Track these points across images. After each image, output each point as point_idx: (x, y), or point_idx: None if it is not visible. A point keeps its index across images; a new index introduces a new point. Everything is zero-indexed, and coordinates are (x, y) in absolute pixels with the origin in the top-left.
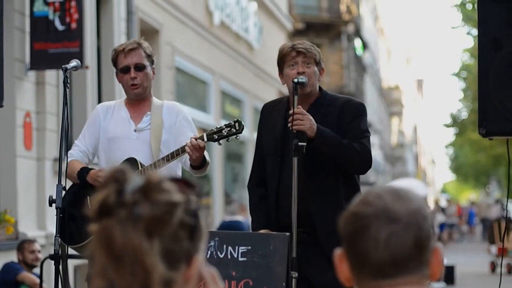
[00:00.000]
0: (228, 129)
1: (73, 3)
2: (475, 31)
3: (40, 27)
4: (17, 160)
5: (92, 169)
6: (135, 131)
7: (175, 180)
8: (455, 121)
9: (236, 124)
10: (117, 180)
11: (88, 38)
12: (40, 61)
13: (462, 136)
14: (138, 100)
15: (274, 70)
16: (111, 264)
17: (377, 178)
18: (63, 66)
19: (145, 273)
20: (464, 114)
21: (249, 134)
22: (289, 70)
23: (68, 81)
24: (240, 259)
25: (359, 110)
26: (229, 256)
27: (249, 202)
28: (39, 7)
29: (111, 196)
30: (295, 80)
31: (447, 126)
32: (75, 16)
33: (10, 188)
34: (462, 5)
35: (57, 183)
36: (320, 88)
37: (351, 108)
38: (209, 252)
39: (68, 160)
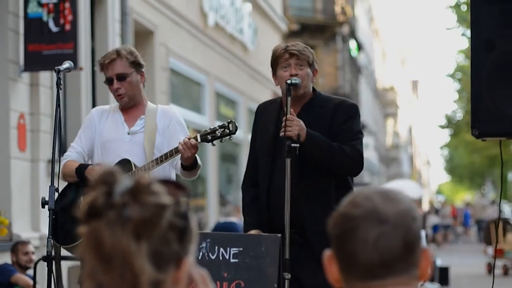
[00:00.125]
0: (222, 129)
1: (67, 5)
2: (469, 32)
3: (34, 28)
4: (11, 162)
5: (89, 165)
6: (128, 134)
7: (165, 182)
8: (450, 122)
9: (230, 125)
10: (106, 182)
11: (82, 39)
12: (34, 62)
13: (457, 137)
14: (132, 105)
15: (268, 71)
16: (100, 266)
17: (372, 179)
18: (56, 67)
19: (133, 275)
20: (459, 115)
21: (244, 135)
22: (282, 72)
23: (61, 82)
24: (232, 260)
25: (352, 111)
26: (220, 258)
27: (242, 203)
28: (33, 8)
29: (100, 198)
30: (288, 81)
31: (442, 127)
32: (69, 17)
33: (4, 190)
34: (457, 6)
35: (46, 184)
36: (313, 89)
37: (344, 109)
38: (200, 254)
39: (65, 161)
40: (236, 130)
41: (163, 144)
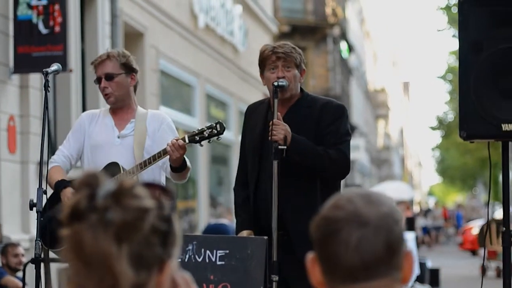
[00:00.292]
0: (210, 130)
1: (56, 7)
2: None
3: (23, 30)
4: (1, 164)
5: (69, 182)
6: (118, 137)
7: (150, 185)
8: (441, 124)
9: (218, 126)
10: (89, 185)
11: (72, 41)
12: (24, 64)
13: (449, 139)
14: (121, 108)
15: (259, 73)
16: (81, 269)
17: (363, 181)
18: (44, 70)
19: (113, 278)
20: (450, 117)
21: (234, 137)
22: (270, 74)
23: (49, 85)
24: (218, 263)
25: (339, 112)
26: (207, 260)
27: (234, 204)
28: (23, 10)
29: (83, 201)
30: (275, 83)
31: (434, 128)
32: (59, 19)
33: None
34: (448, 8)
35: (36, 186)
36: (301, 89)
37: (331, 109)
38: (187, 256)
39: (51, 165)
40: (223, 130)
41: (153, 147)
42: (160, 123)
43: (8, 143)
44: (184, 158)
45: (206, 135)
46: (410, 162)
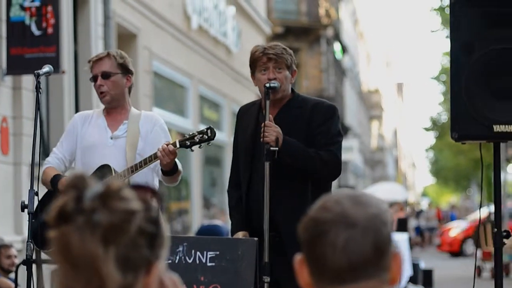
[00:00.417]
0: (201, 135)
1: (49, 8)
2: None
3: (16, 32)
4: None
5: (64, 176)
6: (111, 138)
7: (138, 187)
8: (435, 125)
9: (208, 131)
10: (77, 187)
11: (65, 43)
12: (17, 66)
13: (442, 140)
14: (115, 109)
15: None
16: (68, 271)
17: (356, 182)
18: (35, 71)
19: (100, 280)
20: (444, 118)
21: (228, 138)
22: (261, 75)
23: (40, 86)
24: (209, 264)
25: (330, 112)
26: (197, 261)
27: (228, 206)
28: (16, 12)
29: (70, 203)
30: (267, 85)
31: (427, 129)
32: (52, 21)
33: None
34: (441, 9)
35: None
36: (292, 90)
37: (322, 110)
38: (177, 258)
39: (45, 167)
40: (214, 136)
41: (146, 149)
42: (153, 125)
43: (1, 145)
44: (175, 162)
45: (197, 140)
46: (404, 163)
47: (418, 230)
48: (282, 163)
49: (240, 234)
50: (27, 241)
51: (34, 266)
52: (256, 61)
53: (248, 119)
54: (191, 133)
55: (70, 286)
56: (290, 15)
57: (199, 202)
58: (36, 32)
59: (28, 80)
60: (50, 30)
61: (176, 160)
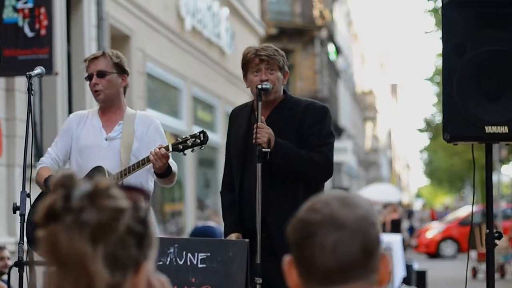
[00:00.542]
0: (193, 139)
1: (42, 10)
2: None
3: (9, 33)
4: None
5: None
6: (106, 139)
7: (126, 187)
8: (429, 126)
9: (201, 135)
10: (65, 186)
11: (58, 44)
12: (10, 67)
13: (436, 141)
14: (110, 109)
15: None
16: (57, 270)
17: (350, 183)
18: (27, 73)
19: (89, 279)
20: (438, 119)
21: (221, 139)
22: (253, 77)
23: (33, 88)
24: (200, 265)
25: (321, 114)
26: (188, 263)
27: (221, 208)
28: (9, 13)
29: (58, 202)
30: (259, 86)
31: (421, 130)
32: (45, 22)
33: None
34: (435, 11)
35: (21, 190)
36: (284, 91)
37: (313, 111)
38: (168, 259)
39: (39, 167)
40: (207, 140)
41: (140, 150)
42: (148, 126)
43: None
44: (169, 164)
45: (190, 144)
46: (398, 164)
47: (411, 231)
48: (274, 165)
49: (233, 236)
50: (19, 243)
51: (28, 268)
52: (248, 63)
53: (240, 121)
54: (184, 137)
55: (59, 285)
56: (284, 17)
57: (193, 204)
58: (29, 33)
59: (21, 82)
60: (43, 32)
61: (172, 161)
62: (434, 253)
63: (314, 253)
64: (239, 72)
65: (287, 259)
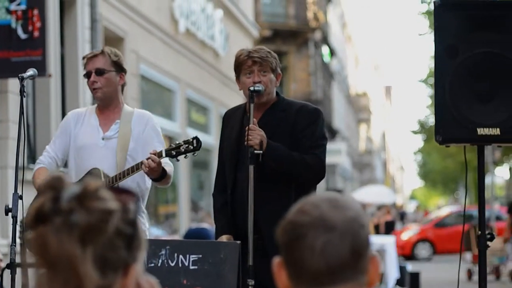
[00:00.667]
0: (186, 145)
1: (35, 12)
2: None
3: (2, 35)
4: None
5: None
6: (102, 139)
7: (115, 189)
8: (423, 128)
9: (194, 141)
10: (54, 188)
11: (51, 46)
12: (3, 69)
13: (430, 143)
14: (107, 107)
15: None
16: (46, 272)
17: (344, 185)
18: (19, 75)
19: (78, 281)
20: (432, 121)
21: (215, 141)
22: (245, 79)
23: (25, 90)
24: (191, 267)
25: (314, 116)
26: (180, 265)
27: (213, 209)
28: (1, 15)
29: (47, 204)
30: (251, 88)
31: (415, 132)
32: (38, 24)
33: None
34: (429, 13)
35: (13, 192)
36: (277, 93)
37: (306, 113)
38: (160, 261)
39: (37, 166)
40: (200, 146)
41: (137, 150)
42: (145, 125)
43: None
44: (163, 168)
45: (183, 150)
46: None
47: None
48: (266, 167)
49: (224, 238)
50: (11, 245)
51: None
52: (241, 65)
53: (233, 123)
54: (177, 142)
55: (49, 287)
56: (278, 18)
57: (187, 205)
58: (22, 35)
59: (14, 84)
60: (36, 34)
61: (168, 161)
62: (409, 255)
63: (304, 255)
64: (233, 74)
65: (276, 260)
